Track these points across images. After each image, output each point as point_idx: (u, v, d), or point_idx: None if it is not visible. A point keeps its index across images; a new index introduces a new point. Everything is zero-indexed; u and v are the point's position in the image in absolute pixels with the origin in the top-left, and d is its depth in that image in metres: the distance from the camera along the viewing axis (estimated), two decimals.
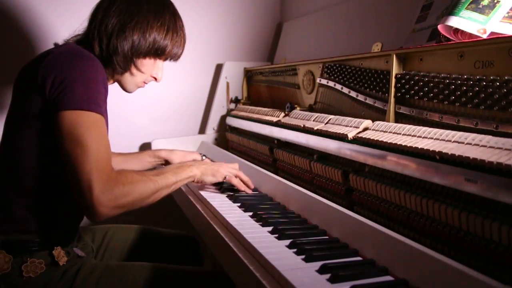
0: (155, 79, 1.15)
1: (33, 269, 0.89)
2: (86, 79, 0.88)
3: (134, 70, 1.07)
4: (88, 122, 0.85)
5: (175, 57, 1.14)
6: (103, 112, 0.90)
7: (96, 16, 1.03)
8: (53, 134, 0.86)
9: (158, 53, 1.08)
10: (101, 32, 1.01)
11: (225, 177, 1.17)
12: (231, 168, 1.20)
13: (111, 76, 1.08)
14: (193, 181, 1.11)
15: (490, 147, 0.71)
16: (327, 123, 1.17)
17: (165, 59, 1.14)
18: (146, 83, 1.15)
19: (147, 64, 1.09)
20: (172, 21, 1.08)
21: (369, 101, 1.13)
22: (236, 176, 1.20)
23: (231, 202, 1.15)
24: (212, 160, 1.60)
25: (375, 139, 0.93)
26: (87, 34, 1.04)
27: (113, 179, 0.85)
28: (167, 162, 1.42)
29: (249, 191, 1.22)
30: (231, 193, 1.20)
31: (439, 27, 0.91)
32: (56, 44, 1.06)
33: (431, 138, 0.83)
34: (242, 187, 1.20)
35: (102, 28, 1.01)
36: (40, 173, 0.93)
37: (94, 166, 0.82)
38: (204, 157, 1.48)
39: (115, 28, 1.01)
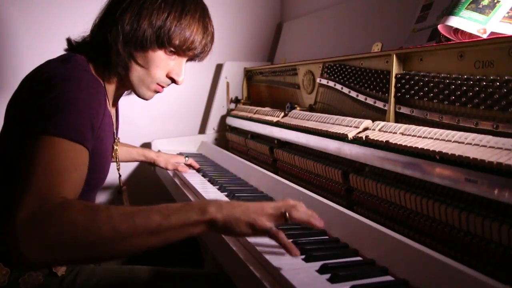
0: (174, 80, 0.97)
1: (31, 281, 0.87)
2: (69, 104, 0.75)
3: (136, 66, 0.91)
4: (47, 146, 0.70)
5: (193, 49, 0.94)
6: (81, 139, 0.74)
7: (106, 10, 0.92)
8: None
9: (162, 42, 0.89)
10: (96, 29, 0.92)
11: (268, 231, 0.70)
12: (280, 213, 0.71)
13: (120, 83, 0.98)
14: (210, 230, 0.69)
15: (490, 147, 0.71)
16: (327, 123, 1.17)
17: (183, 54, 0.95)
18: (163, 86, 0.97)
19: (153, 59, 0.91)
20: (179, 2, 0.90)
21: (369, 101, 1.12)
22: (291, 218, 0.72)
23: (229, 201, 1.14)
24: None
25: (375, 139, 0.93)
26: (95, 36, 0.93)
27: (49, 206, 0.62)
28: (154, 163, 1.50)
29: (297, 253, 0.72)
30: (229, 193, 1.20)
31: (439, 27, 0.91)
32: (68, 40, 0.96)
33: (431, 138, 0.83)
34: (293, 249, 0.71)
35: (96, 25, 0.92)
36: None
37: (28, 191, 0.64)
38: (187, 158, 1.53)
39: (106, 18, 0.89)
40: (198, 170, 1.51)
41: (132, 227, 0.62)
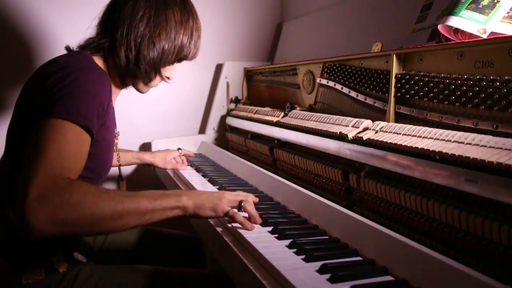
0: (168, 78, 1.12)
1: (32, 276, 0.88)
2: (77, 90, 0.82)
3: (155, 76, 1.06)
4: (58, 129, 0.76)
5: (192, 59, 1.12)
6: (89, 125, 0.81)
7: (119, 22, 0.98)
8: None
9: (182, 58, 1.07)
10: (129, 42, 0.98)
11: (227, 213, 0.91)
12: (235, 196, 0.94)
13: (124, 82, 1.08)
14: (184, 214, 0.86)
15: (490, 147, 0.71)
16: (327, 123, 1.17)
17: (179, 61, 1.11)
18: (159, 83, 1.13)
19: (168, 69, 1.08)
20: (195, 26, 1.06)
21: (369, 101, 1.13)
22: (241, 203, 0.93)
23: None
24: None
25: (375, 139, 0.93)
26: (108, 41, 1.00)
27: (59, 186, 0.69)
28: (152, 165, 1.54)
29: (252, 228, 0.91)
30: None
31: (439, 27, 0.91)
32: (68, 49, 1.03)
33: (431, 138, 0.83)
34: (248, 225, 0.90)
35: (130, 37, 0.97)
36: None
37: (42, 170, 0.69)
38: (180, 151, 1.58)
39: (144, 37, 0.98)
40: (198, 170, 1.51)
41: (127, 208, 0.75)
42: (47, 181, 0.68)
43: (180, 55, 1.05)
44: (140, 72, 1.01)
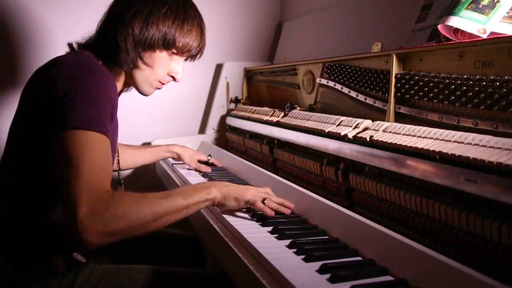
0: (174, 78, 1.07)
1: (32, 277, 0.88)
2: (90, 96, 0.82)
3: (142, 65, 1.00)
4: (84, 140, 0.78)
5: (192, 51, 1.05)
6: (106, 130, 0.82)
7: (112, 20, 0.98)
8: (50, 151, 0.81)
9: (167, 45, 0.99)
10: (103, 29, 0.98)
11: (248, 202, 0.97)
12: (260, 192, 1.02)
13: (124, 81, 1.05)
14: (213, 205, 0.96)
15: (490, 147, 0.71)
16: (327, 123, 1.17)
17: (182, 55, 1.05)
18: (163, 83, 1.07)
19: (158, 59, 1.01)
20: (181, 10, 1.00)
21: (369, 101, 1.12)
22: (264, 200, 0.99)
23: None
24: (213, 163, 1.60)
25: (375, 139, 0.93)
26: (107, 42, 0.98)
27: (104, 201, 0.74)
28: (179, 157, 1.54)
29: (271, 213, 0.97)
30: None
31: (439, 27, 0.91)
32: (70, 45, 1.02)
33: (431, 138, 0.83)
34: (267, 211, 0.96)
35: (104, 25, 0.98)
36: (38, 184, 0.91)
37: (84, 187, 0.73)
38: (209, 157, 1.58)
39: (115, 20, 0.96)
40: (198, 170, 1.52)
41: (165, 209, 0.82)
42: (91, 198, 0.72)
43: (162, 41, 0.98)
44: (119, 60, 0.96)
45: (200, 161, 1.55)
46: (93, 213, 0.71)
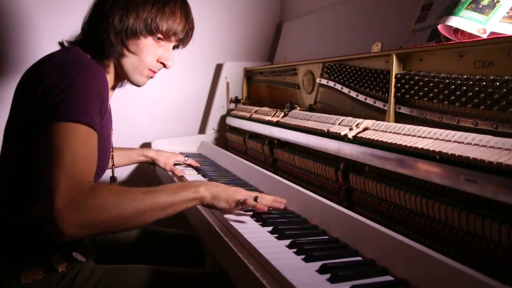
0: (164, 65, 1.05)
1: (32, 276, 0.88)
2: (78, 89, 0.81)
3: (128, 53, 0.99)
4: (69, 132, 0.77)
5: (178, 35, 1.03)
6: (93, 123, 0.81)
7: (96, 13, 0.99)
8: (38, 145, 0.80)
9: (151, 30, 0.98)
10: (87, 24, 0.99)
11: (238, 202, 0.94)
12: (251, 192, 0.99)
13: (114, 73, 1.04)
14: (202, 204, 0.92)
15: (490, 147, 0.71)
16: (327, 123, 1.17)
17: (169, 40, 1.03)
18: (155, 71, 1.05)
19: (144, 46, 0.99)
20: (168, 3, 0.99)
21: (369, 101, 1.12)
22: (256, 199, 0.96)
23: None
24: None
25: (375, 139, 0.93)
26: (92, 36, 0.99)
27: (84, 192, 0.72)
28: (154, 162, 1.51)
29: (264, 208, 0.97)
30: None
31: (439, 27, 0.91)
32: (61, 44, 1.03)
33: (431, 138, 0.83)
34: (260, 206, 0.96)
35: (87, 20, 1.00)
36: (36, 183, 0.90)
37: (64, 176, 0.72)
38: (186, 158, 1.55)
39: (97, 12, 0.97)
40: (198, 170, 1.51)
41: (148, 204, 0.78)
42: (71, 188, 0.71)
43: (144, 26, 0.97)
44: (104, 50, 0.96)
45: (177, 163, 1.53)
46: (72, 203, 0.69)
